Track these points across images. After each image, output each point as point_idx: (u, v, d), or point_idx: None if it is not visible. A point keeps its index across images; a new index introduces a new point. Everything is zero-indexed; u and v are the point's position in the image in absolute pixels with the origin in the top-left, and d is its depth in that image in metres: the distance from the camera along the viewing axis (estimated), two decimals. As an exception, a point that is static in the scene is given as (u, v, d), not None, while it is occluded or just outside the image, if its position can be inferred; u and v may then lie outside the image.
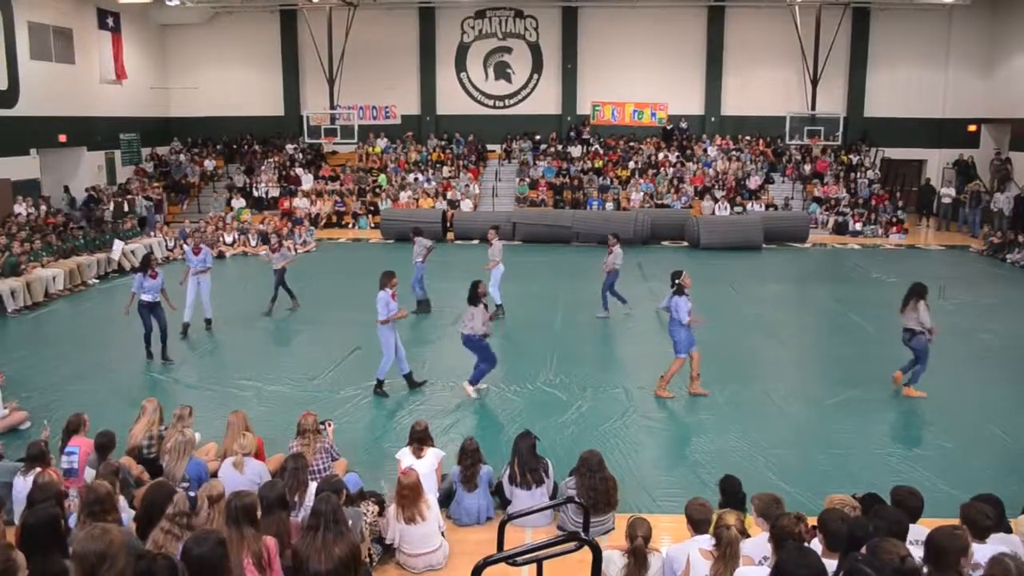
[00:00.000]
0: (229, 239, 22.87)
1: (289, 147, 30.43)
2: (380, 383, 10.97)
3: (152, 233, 22.50)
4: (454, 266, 15.98)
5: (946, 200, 27.37)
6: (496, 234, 15.25)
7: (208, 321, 14.20)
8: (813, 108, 27.82)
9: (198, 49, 30.66)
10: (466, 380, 10.93)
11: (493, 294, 14.66)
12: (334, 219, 26.74)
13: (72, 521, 5.88)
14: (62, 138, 24.05)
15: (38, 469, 6.57)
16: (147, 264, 12.59)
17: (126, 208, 24.10)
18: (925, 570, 4.28)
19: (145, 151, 29.25)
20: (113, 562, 4.30)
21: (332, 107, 27.28)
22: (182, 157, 29.79)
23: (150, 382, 11.51)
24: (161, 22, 30.06)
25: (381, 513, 6.92)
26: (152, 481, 6.59)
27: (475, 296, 10.65)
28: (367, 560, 6.40)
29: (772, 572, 4.11)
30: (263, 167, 29.12)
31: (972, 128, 29.66)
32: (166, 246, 21.77)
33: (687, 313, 10.45)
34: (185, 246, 14.36)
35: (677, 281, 10.62)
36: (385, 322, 10.66)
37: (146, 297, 12.28)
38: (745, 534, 5.34)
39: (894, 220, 25.96)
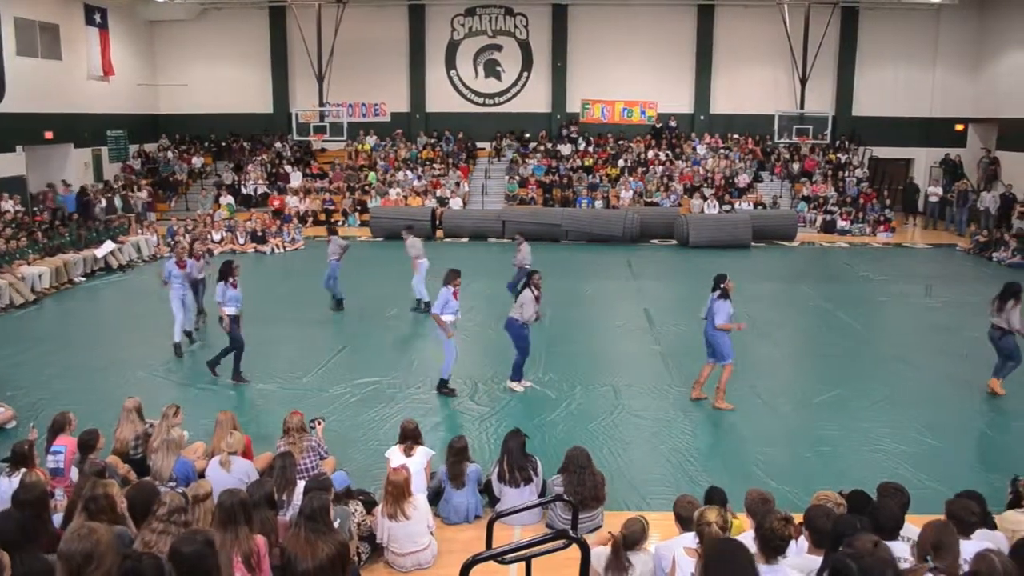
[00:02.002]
0: (217, 237, 22.79)
1: (278, 144, 30.34)
2: (443, 383, 10.95)
3: (140, 231, 22.39)
4: (445, 264, 15.91)
5: (933, 199, 27.52)
6: (410, 232, 15.61)
7: (188, 334, 13.28)
8: (802, 107, 27.90)
9: (186, 45, 30.50)
10: (508, 380, 11.00)
11: (418, 290, 15.15)
12: (323, 217, 26.67)
13: (58, 521, 5.84)
14: (48, 135, 23.90)
15: (23, 470, 6.52)
16: (229, 272, 11.28)
17: (119, 204, 24.01)
18: (929, 561, 4.36)
19: (132, 148, 29.10)
20: (100, 562, 4.26)
21: (321, 104, 27.20)
22: (170, 154, 29.68)
23: (138, 381, 11.42)
24: (149, 18, 29.91)
25: (370, 512, 6.92)
26: (136, 481, 6.56)
27: (527, 284, 10.80)
28: (355, 559, 6.39)
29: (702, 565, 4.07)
30: (251, 164, 29.02)
31: (959, 127, 29.85)
32: (154, 243, 21.66)
33: (727, 317, 10.13)
34: (167, 259, 13.12)
35: (722, 285, 10.22)
36: (438, 320, 10.72)
37: (230, 310, 11.16)
38: (726, 531, 5.35)
39: (882, 219, 26.09)
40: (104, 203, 23.84)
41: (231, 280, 11.19)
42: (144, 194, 26.25)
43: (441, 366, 10.97)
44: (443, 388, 10.91)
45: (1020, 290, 10.67)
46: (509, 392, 10.95)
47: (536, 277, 10.89)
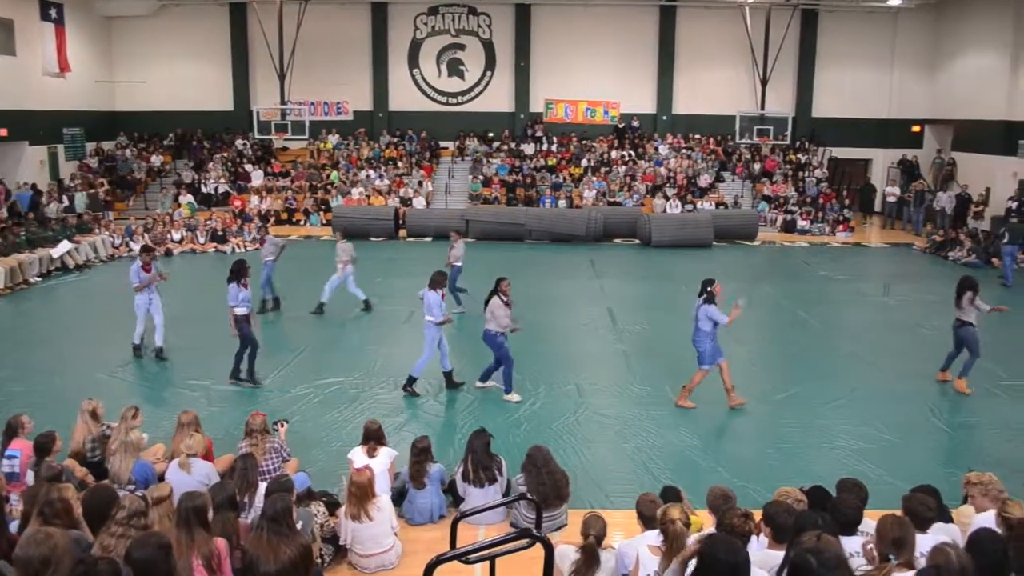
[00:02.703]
0: (177, 236, 22.49)
1: (239, 143, 30.00)
2: (412, 380, 10.86)
3: (97, 230, 22.01)
4: (404, 265, 15.91)
5: (891, 199, 28.00)
6: (342, 236, 15.66)
7: (159, 351, 12.34)
8: (762, 108, 28.26)
9: (145, 42, 30.00)
10: (503, 392, 10.82)
11: (326, 292, 14.99)
12: (285, 216, 26.42)
13: (14, 527, 5.72)
14: (2, 132, 23.37)
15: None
16: (242, 272, 11.10)
17: (81, 203, 23.57)
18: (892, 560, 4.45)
19: (90, 146, 28.58)
20: (57, 567, 4.19)
21: (283, 102, 26.93)
22: (128, 152, 29.19)
23: (97, 383, 11.21)
24: (106, 14, 29.40)
25: (333, 513, 6.88)
26: (93, 485, 6.45)
27: (495, 291, 10.64)
28: (318, 561, 6.35)
29: (698, 561, 4.14)
30: (212, 163, 28.67)
31: (916, 129, 30.44)
32: (112, 243, 21.32)
33: (712, 323, 10.11)
34: (135, 263, 12.44)
35: (709, 289, 10.26)
36: (443, 323, 10.71)
37: (242, 310, 10.94)
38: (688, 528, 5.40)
39: (841, 218, 26.48)
40: (66, 201, 23.40)
41: (243, 281, 11.03)
42: (101, 193, 25.80)
43: (415, 363, 10.85)
44: (409, 387, 10.83)
45: (976, 283, 11.09)
46: (477, 395, 10.93)
47: (504, 284, 10.72)
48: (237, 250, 21.70)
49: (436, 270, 11.10)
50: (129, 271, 12.33)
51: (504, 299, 10.63)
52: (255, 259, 18.18)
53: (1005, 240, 19.82)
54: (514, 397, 10.69)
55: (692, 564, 4.30)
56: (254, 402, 10.22)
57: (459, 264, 14.94)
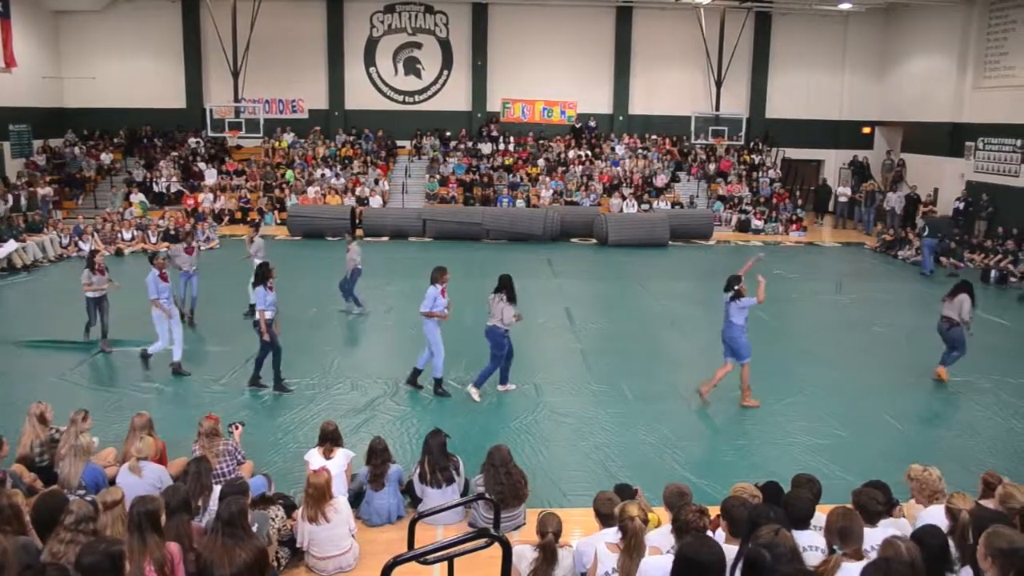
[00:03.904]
0: (127, 235, 22.08)
1: (191, 140, 29.52)
2: (439, 382, 10.81)
3: (45, 229, 21.52)
4: (364, 264, 15.75)
5: (842, 199, 28.51)
6: (255, 232, 15.51)
7: (177, 366, 11.56)
8: (717, 109, 28.62)
9: (94, 37, 29.36)
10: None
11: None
12: (239, 215, 26.09)
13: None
14: (-55, 129, 22.79)
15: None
16: (267, 275, 10.70)
17: (24, 202, 23.01)
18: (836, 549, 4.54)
19: (37, 143, 27.91)
20: (5, 573, 4.10)
21: (236, 100, 26.60)
22: (77, 150, 28.57)
23: (45, 386, 10.90)
24: (54, 8, 28.70)
25: (290, 515, 6.80)
26: (44, 490, 6.31)
27: (503, 286, 10.52)
28: (274, 564, 6.27)
29: (675, 559, 4.20)
30: (163, 161, 28.18)
31: (867, 130, 31.05)
32: (60, 243, 20.86)
33: (744, 317, 10.44)
34: (152, 272, 11.40)
35: (736, 287, 10.45)
36: (429, 316, 10.59)
37: (268, 314, 10.58)
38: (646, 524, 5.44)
39: (794, 218, 26.87)
40: (11, 201, 22.83)
41: (269, 284, 10.72)
42: (49, 191, 25.22)
43: (433, 363, 10.81)
44: (439, 388, 10.81)
45: (973, 290, 11.47)
46: (456, 394, 10.89)
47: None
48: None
49: (435, 266, 10.90)
50: (146, 281, 11.44)
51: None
52: (207, 259, 17.94)
53: (925, 233, 20.86)
54: (476, 395, 10.64)
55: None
56: (208, 404, 10.06)
57: (359, 267, 14.90)
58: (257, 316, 10.69)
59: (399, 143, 30.51)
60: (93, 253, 13.00)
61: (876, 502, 5.31)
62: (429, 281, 10.68)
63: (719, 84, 28.74)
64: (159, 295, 11.33)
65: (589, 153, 29.87)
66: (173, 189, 26.98)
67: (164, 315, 11.38)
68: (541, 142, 30.30)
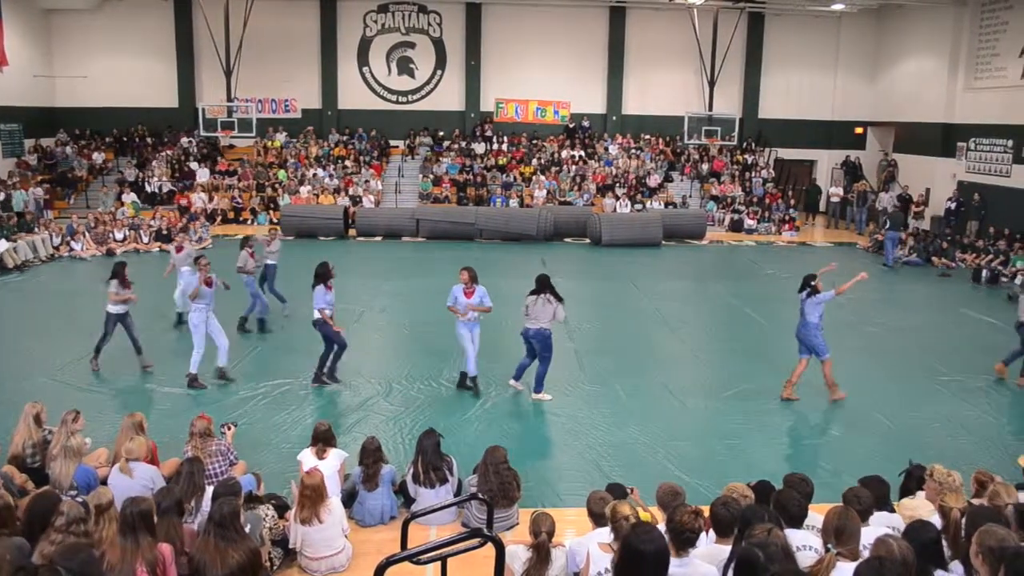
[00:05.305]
0: (119, 235, 22.02)
1: (184, 140, 29.44)
2: (473, 379, 10.89)
3: (36, 229, 21.43)
4: (357, 263, 15.75)
5: (835, 199, 28.59)
6: (186, 238, 15.39)
7: (222, 371, 11.25)
8: (710, 109, 28.66)
9: (87, 36, 29.27)
10: (533, 393, 10.71)
11: (180, 302, 13.81)
12: (231, 215, 26.03)
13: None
14: (-64, 128, 22.68)
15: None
16: (326, 275, 10.70)
17: (14, 202, 22.92)
18: (831, 547, 4.52)
19: (28, 143, 27.81)
20: (-4, 576, 4.10)
21: (229, 100, 26.54)
22: (68, 149, 28.47)
23: (37, 386, 10.83)
24: (46, 7, 28.59)
25: (282, 516, 6.78)
26: (35, 491, 6.28)
27: (545, 286, 10.43)
28: (267, 565, 6.26)
29: (619, 549, 4.20)
30: (156, 161, 28.11)
31: (859, 130, 31.16)
32: (51, 243, 20.79)
33: (821, 311, 10.54)
34: (193, 276, 11.16)
35: (812, 283, 10.54)
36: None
37: (328, 313, 10.67)
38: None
39: (786, 218, 26.94)
40: (2, 197, 22.76)
41: (328, 283, 10.77)
42: (40, 191, 25.13)
43: (466, 362, 10.87)
44: (473, 385, 10.88)
45: None
46: (427, 394, 10.88)
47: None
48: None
49: (463, 266, 10.94)
50: (184, 285, 11.21)
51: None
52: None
53: (887, 227, 21.38)
54: (545, 396, 10.66)
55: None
56: (201, 404, 10.03)
57: (273, 262, 14.58)
58: (318, 315, 10.75)
59: (392, 143, 30.49)
60: (122, 265, 11.66)
61: (858, 500, 5.36)
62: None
63: (712, 84, 28.80)
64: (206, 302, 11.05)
65: (582, 153, 29.89)
66: (165, 189, 26.90)
67: (202, 322, 11.00)
68: (534, 142, 30.30)
